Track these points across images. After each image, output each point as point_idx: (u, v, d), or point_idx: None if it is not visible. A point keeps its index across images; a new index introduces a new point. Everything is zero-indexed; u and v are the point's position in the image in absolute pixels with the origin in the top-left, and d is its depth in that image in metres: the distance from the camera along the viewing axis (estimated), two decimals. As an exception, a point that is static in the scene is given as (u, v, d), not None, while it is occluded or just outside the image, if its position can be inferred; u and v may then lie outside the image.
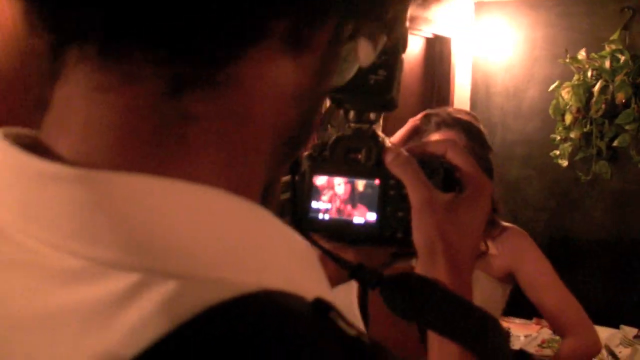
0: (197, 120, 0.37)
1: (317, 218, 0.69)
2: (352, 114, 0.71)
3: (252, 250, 0.38)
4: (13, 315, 0.35)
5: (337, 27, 0.42)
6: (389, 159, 0.68)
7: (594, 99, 3.52)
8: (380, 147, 0.70)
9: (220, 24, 0.36)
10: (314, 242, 0.67)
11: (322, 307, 0.36)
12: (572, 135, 3.69)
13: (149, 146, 0.37)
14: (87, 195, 0.35)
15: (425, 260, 0.66)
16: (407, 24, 0.55)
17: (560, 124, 3.75)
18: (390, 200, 0.69)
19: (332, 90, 0.49)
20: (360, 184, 0.69)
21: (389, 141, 0.72)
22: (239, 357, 0.31)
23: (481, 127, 2.03)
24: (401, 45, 0.65)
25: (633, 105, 3.41)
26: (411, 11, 0.53)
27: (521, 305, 2.08)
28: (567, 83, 3.68)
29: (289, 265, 0.40)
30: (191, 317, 0.32)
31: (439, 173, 0.69)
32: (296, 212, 0.69)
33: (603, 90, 3.51)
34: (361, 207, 0.69)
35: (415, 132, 2.00)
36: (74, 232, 0.35)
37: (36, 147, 0.38)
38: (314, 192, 0.70)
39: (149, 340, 0.31)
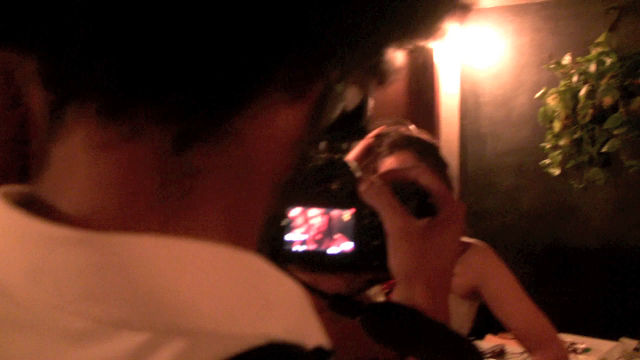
0: (201, 174, 0.39)
1: (292, 250, 0.71)
2: (322, 144, 0.72)
3: (255, 302, 0.39)
4: None
5: (331, 76, 0.44)
6: (362, 188, 0.69)
7: (580, 104, 3.49)
8: (353, 177, 0.71)
9: (223, 80, 0.37)
10: (290, 275, 0.69)
11: (322, 356, 0.39)
12: (561, 142, 3.66)
13: (154, 203, 0.38)
14: (93, 258, 0.36)
15: (403, 287, 0.68)
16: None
17: (549, 132, 3.72)
18: (365, 229, 0.70)
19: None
20: (335, 214, 0.71)
21: None
22: None
23: (435, 142, 2.01)
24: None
25: (621, 109, 3.37)
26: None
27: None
28: (553, 89, 3.65)
29: (289, 314, 0.41)
30: None
31: (413, 199, 0.71)
32: (271, 245, 0.70)
33: (590, 95, 3.49)
34: (336, 237, 0.71)
35: (369, 151, 1.99)
36: (81, 294, 0.35)
37: (35, 205, 0.39)
38: (288, 224, 0.71)
39: None
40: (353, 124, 0.68)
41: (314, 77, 0.42)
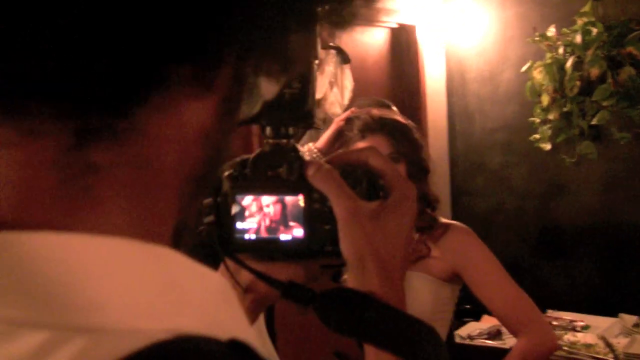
0: (101, 170, 0.39)
1: (243, 238, 0.71)
2: (268, 130, 0.72)
3: (163, 295, 0.39)
4: None
5: (238, 66, 0.44)
6: (310, 172, 0.70)
7: (567, 76, 3.44)
8: (302, 161, 0.71)
9: (119, 75, 0.37)
10: (242, 264, 0.70)
11: (236, 348, 0.38)
12: (550, 116, 3.61)
13: (54, 201, 0.38)
14: None
15: (355, 271, 0.68)
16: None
17: (537, 106, 3.67)
18: (315, 214, 0.70)
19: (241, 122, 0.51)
20: (284, 200, 0.71)
21: (316, 145, 0.71)
22: None
23: (409, 123, 1.96)
24: (313, 56, 0.68)
25: (609, 79, 3.32)
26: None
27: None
28: (539, 63, 3.60)
29: (204, 306, 0.40)
30: None
31: (362, 182, 0.71)
32: (221, 235, 0.71)
33: (576, 66, 3.44)
34: (287, 223, 0.71)
35: (340, 135, 1.93)
36: None
37: None
38: (238, 213, 0.71)
39: None
40: (297, 109, 0.69)
41: (214, 70, 0.41)
